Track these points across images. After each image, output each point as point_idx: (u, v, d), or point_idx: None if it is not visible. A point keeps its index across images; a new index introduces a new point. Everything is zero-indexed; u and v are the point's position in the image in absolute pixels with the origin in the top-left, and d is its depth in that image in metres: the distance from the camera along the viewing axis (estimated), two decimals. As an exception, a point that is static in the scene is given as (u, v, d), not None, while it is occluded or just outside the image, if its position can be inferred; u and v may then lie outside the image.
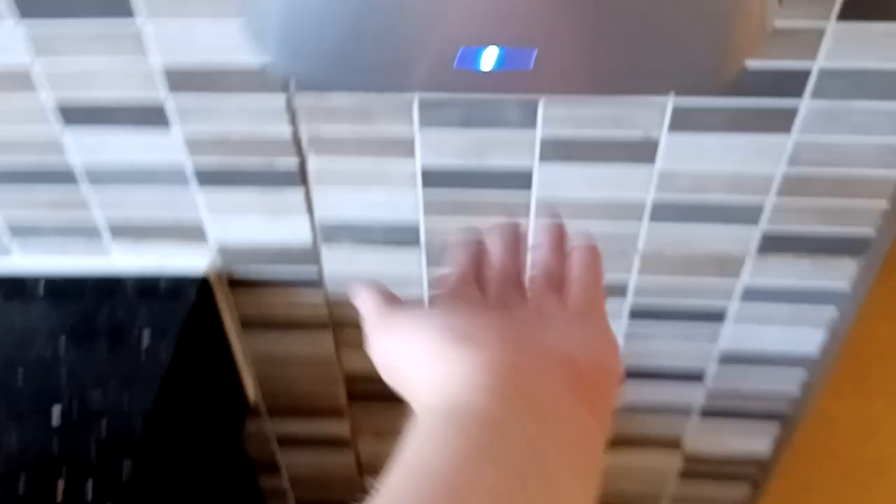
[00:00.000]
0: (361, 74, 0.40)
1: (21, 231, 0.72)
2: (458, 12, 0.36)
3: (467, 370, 0.32)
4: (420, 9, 0.36)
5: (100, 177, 0.66)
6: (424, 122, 0.61)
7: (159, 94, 0.60)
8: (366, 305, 0.39)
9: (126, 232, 0.71)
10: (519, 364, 0.33)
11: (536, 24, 0.36)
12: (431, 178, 0.65)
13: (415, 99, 0.60)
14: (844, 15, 0.52)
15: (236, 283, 0.76)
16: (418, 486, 0.28)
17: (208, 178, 0.66)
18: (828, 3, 0.52)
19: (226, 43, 0.57)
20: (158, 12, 0.55)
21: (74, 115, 0.62)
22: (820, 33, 0.53)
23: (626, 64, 0.38)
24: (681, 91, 0.40)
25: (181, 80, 0.59)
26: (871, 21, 0.52)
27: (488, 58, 0.37)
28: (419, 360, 0.35)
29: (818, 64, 0.55)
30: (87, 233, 0.71)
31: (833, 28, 0.53)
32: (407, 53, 0.38)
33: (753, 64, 0.55)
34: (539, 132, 0.61)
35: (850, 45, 0.54)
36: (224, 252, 0.73)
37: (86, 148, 0.64)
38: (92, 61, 0.59)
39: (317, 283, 0.75)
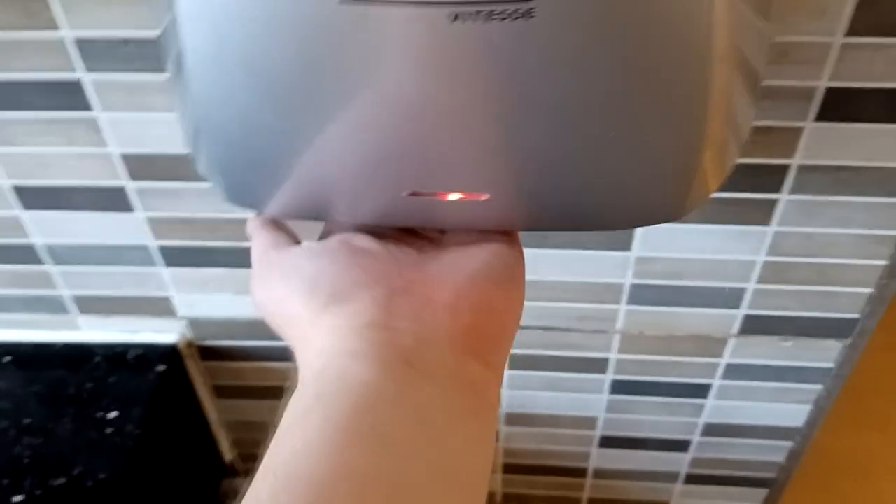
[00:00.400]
0: (309, 208, 0.38)
1: (-14, 306, 0.70)
2: (405, 160, 0.34)
3: (336, 336, 0.29)
4: (352, 146, 0.34)
5: (63, 256, 0.65)
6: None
7: (119, 180, 0.59)
8: (254, 246, 0.37)
9: (93, 306, 0.70)
10: (396, 324, 0.30)
11: (488, 173, 0.34)
12: (403, 259, 0.64)
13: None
14: (822, 116, 0.50)
15: (208, 353, 0.74)
16: (281, 485, 0.25)
17: (175, 257, 0.64)
18: (805, 105, 0.50)
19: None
20: (113, 107, 0.54)
21: (33, 198, 0.60)
22: (798, 132, 0.51)
23: (584, 204, 0.36)
24: (641, 225, 0.38)
25: (141, 167, 0.58)
26: (849, 122, 0.50)
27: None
28: (290, 324, 0.32)
29: (796, 161, 0.53)
30: (53, 307, 0.70)
31: (811, 127, 0.51)
32: (347, 190, 0.36)
33: (730, 157, 0.53)
34: (512, 217, 0.59)
35: (827, 144, 0.52)
36: (194, 324, 0.71)
37: (47, 229, 0.63)
38: (48, 149, 0.57)
39: (291, 354, 0.73)
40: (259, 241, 0.37)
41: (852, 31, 0.46)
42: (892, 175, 0.53)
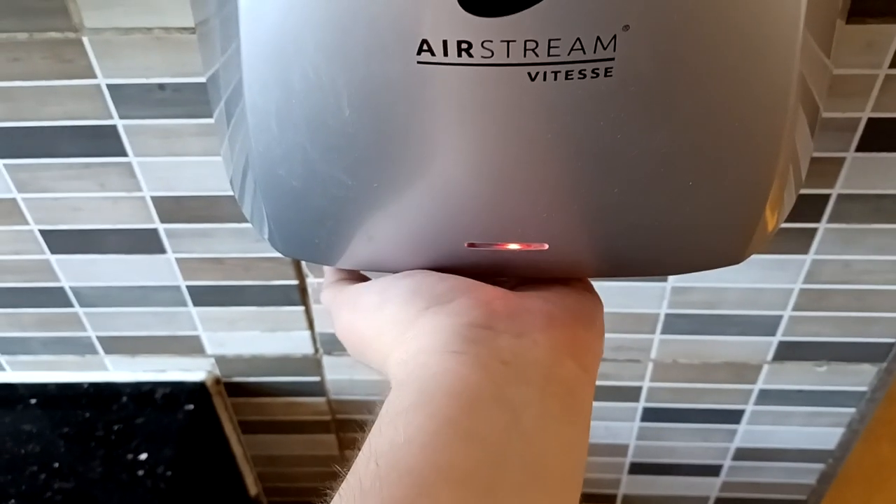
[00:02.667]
0: (367, 260, 0.38)
1: (10, 349, 0.69)
2: (465, 214, 0.33)
3: (436, 336, 0.30)
4: (419, 200, 0.34)
5: (91, 299, 0.64)
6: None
7: (152, 223, 0.58)
8: (326, 287, 0.37)
9: (121, 347, 0.69)
10: (495, 324, 0.30)
11: (547, 225, 0.34)
12: (435, 294, 0.63)
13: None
14: (863, 146, 0.50)
15: (235, 390, 0.74)
16: (384, 474, 0.25)
17: (204, 298, 0.64)
18: (848, 136, 0.49)
19: (217, 176, 0.55)
20: (147, 151, 0.53)
21: (63, 243, 0.60)
22: (840, 162, 0.51)
23: (650, 253, 0.36)
24: (703, 269, 0.38)
25: (172, 209, 0.57)
26: (890, 152, 0.50)
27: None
28: (384, 329, 0.32)
29: (836, 190, 0.53)
30: (80, 348, 0.69)
31: (852, 157, 0.51)
32: (408, 243, 0.36)
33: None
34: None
35: (868, 173, 0.52)
36: (222, 362, 0.71)
37: (76, 272, 0.62)
38: (80, 194, 0.56)
39: (319, 391, 0.73)
40: (328, 278, 0.37)
41: (896, 63, 0.46)
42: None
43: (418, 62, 0.27)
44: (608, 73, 0.27)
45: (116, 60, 0.49)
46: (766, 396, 0.70)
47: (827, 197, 0.53)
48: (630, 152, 0.30)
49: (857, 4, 0.43)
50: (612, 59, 0.26)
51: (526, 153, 0.30)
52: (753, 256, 0.57)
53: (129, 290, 0.63)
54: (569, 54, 0.26)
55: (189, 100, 0.51)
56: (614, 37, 0.26)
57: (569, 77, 0.27)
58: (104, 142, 0.53)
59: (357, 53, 0.27)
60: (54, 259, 0.61)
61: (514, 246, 0.35)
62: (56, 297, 0.64)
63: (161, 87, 0.50)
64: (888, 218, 0.54)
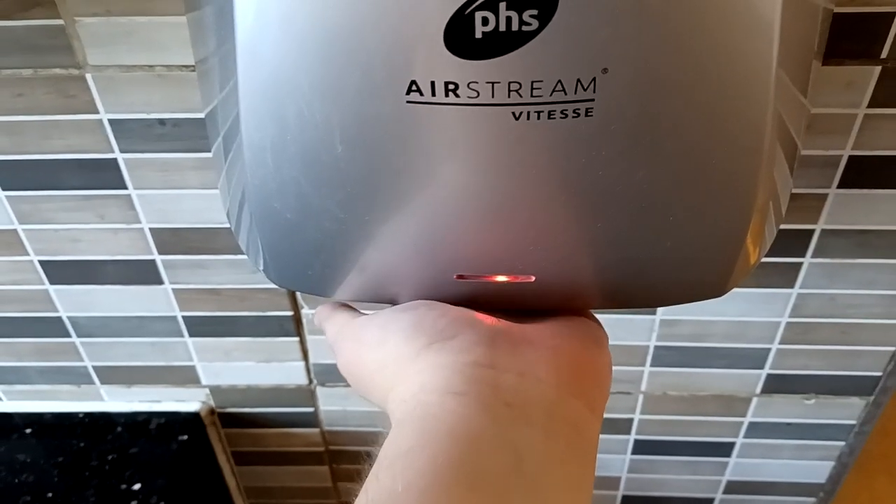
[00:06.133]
0: (359, 290, 0.39)
1: (7, 378, 0.70)
2: (453, 246, 0.34)
3: (438, 375, 0.29)
4: (409, 233, 0.35)
5: (89, 329, 0.65)
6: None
7: (149, 254, 0.59)
8: (329, 320, 0.36)
9: (116, 377, 0.69)
10: (498, 362, 0.29)
11: (533, 257, 0.35)
12: (428, 325, 0.64)
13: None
14: (845, 183, 0.51)
15: (229, 421, 0.74)
16: None
17: (200, 328, 0.65)
18: (830, 172, 0.51)
19: (215, 209, 0.56)
20: (146, 184, 0.55)
21: (62, 273, 0.61)
22: (822, 198, 0.52)
23: (624, 285, 0.37)
24: (686, 302, 0.39)
25: (170, 240, 0.58)
26: (871, 188, 0.51)
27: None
28: (386, 364, 0.32)
29: (820, 226, 0.54)
30: (76, 378, 0.69)
31: (835, 193, 0.52)
32: (399, 274, 0.37)
33: (754, 222, 0.54)
34: (537, 283, 0.60)
35: (850, 209, 0.53)
36: (216, 392, 0.71)
37: (74, 302, 0.63)
38: (80, 225, 0.57)
39: (312, 421, 0.73)
40: (337, 317, 0.37)
41: (875, 102, 0.47)
42: (911, 238, 0.54)
43: (407, 101, 0.28)
44: (589, 114, 0.28)
45: (118, 96, 0.51)
46: (755, 429, 0.70)
47: (811, 232, 0.55)
48: (611, 189, 0.31)
49: (835, 46, 0.45)
50: (592, 100, 0.28)
51: (511, 189, 0.31)
52: (740, 290, 0.58)
53: (125, 320, 0.64)
54: (551, 95, 0.27)
55: (188, 134, 0.52)
56: (594, 79, 0.27)
57: (551, 117, 0.28)
58: (105, 174, 0.54)
59: (349, 92, 0.29)
60: (53, 289, 0.62)
61: (501, 278, 0.36)
62: (54, 326, 0.65)
63: (161, 122, 0.52)
64: (871, 253, 0.55)
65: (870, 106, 0.47)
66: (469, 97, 0.28)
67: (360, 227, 0.34)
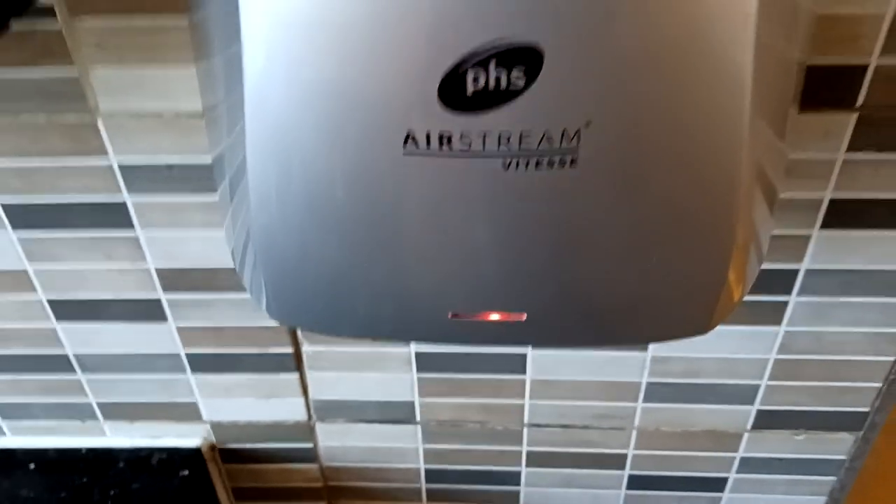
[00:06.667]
0: (353, 327, 0.40)
1: (12, 414, 0.71)
2: (448, 287, 0.36)
3: None
4: (406, 274, 0.37)
5: (93, 365, 0.66)
6: (418, 310, 0.62)
7: (154, 293, 0.61)
8: None
9: (120, 413, 0.71)
10: None
11: (524, 296, 0.36)
12: (426, 362, 0.65)
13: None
14: (828, 224, 0.53)
15: (229, 456, 0.75)
16: None
17: (202, 365, 0.66)
18: (812, 215, 0.53)
19: (219, 249, 0.58)
20: (153, 225, 0.56)
21: (69, 311, 0.62)
22: (805, 239, 0.54)
23: (614, 323, 0.39)
24: (674, 339, 0.40)
25: (175, 279, 0.60)
26: (853, 229, 0.53)
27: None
28: None
29: (804, 265, 0.56)
30: (80, 414, 0.71)
31: (817, 235, 0.54)
32: (396, 312, 0.39)
33: (741, 262, 0.56)
34: (532, 321, 0.62)
35: (833, 250, 0.55)
36: (217, 428, 0.72)
37: (80, 340, 0.65)
38: (88, 265, 0.59)
39: (311, 457, 0.74)
40: None
41: (853, 147, 0.49)
42: (892, 278, 0.56)
43: (404, 152, 0.30)
44: (573, 163, 0.30)
45: (128, 142, 0.53)
46: (747, 464, 0.71)
47: (796, 272, 0.56)
48: (597, 232, 0.33)
49: (813, 96, 0.47)
50: (577, 150, 0.30)
51: (502, 233, 0.33)
52: (729, 328, 0.60)
53: (130, 357, 0.66)
54: (538, 146, 0.29)
55: (195, 178, 0.54)
56: (578, 131, 0.29)
57: (539, 166, 0.30)
58: (113, 216, 0.56)
59: (350, 142, 0.31)
60: (60, 327, 0.64)
61: (494, 316, 0.38)
62: (59, 363, 0.66)
63: (169, 167, 0.54)
64: (855, 291, 0.57)
65: (848, 151, 0.49)
66: (461, 148, 0.30)
67: (359, 268, 0.36)
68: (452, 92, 0.28)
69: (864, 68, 0.46)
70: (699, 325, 0.40)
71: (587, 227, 0.33)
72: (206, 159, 0.53)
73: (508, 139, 0.29)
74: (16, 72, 0.50)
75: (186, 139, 0.52)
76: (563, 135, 0.29)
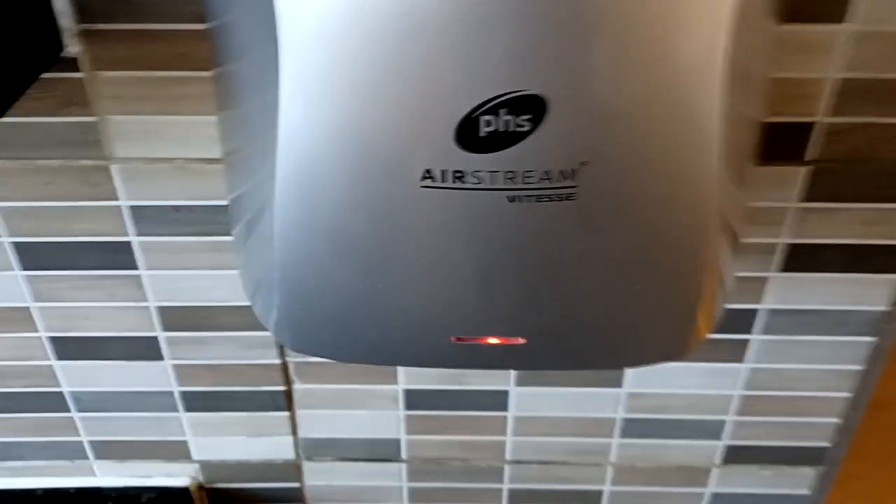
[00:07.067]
0: (362, 352, 0.44)
1: (2, 454, 0.72)
2: (453, 312, 0.40)
3: None
4: (416, 300, 0.40)
5: (88, 403, 0.68)
6: (406, 349, 0.65)
7: (153, 331, 0.63)
8: None
9: (110, 452, 0.72)
10: None
11: (524, 321, 0.40)
12: (413, 400, 0.69)
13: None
14: (786, 267, 0.58)
15: (217, 496, 0.76)
16: None
17: (195, 403, 0.68)
18: (769, 258, 0.58)
19: (220, 288, 0.61)
20: (156, 265, 0.60)
21: (69, 349, 0.65)
22: (764, 281, 0.59)
23: (602, 347, 0.43)
24: (652, 363, 0.45)
25: (176, 319, 0.63)
26: (809, 272, 0.59)
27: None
28: None
29: (764, 305, 0.61)
30: (72, 453, 0.72)
31: (775, 277, 0.59)
32: (403, 336, 0.42)
33: (707, 302, 0.61)
34: (514, 359, 0.65)
35: (791, 291, 0.60)
36: (206, 467, 0.74)
37: (77, 378, 0.67)
38: (90, 304, 0.62)
39: (297, 497, 0.76)
40: None
41: (807, 197, 0.55)
42: (850, 317, 0.61)
43: (421, 186, 0.34)
44: (571, 198, 0.35)
45: (138, 185, 0.56)
46: (719, 499, 0.75)
47: (756, 311, 0.61)
48: (588, 262, 0.37)
49: (768, 149, 0.53)
50: (575, 186, 0.34)
51: (504, 261, 0.37)
52: (697, 364, 0.64)
53: (125, 395, 0.68)
54: (540, 182, 0.34)
55: (199, 220, 0.58)
56: (574, 170, 0.34)
57: (540, 200, 0.34)
58: (118, 256, 0.59)
59: (374, 179, 0.35)
60: (59, 365, 0.66)
61: (493, 340, 0.41)
62: (55, 401, 0.68)
63: (176, 209, 0.57)
64: (813, 331, 0.62)
65: (800, 200, 0.55)
66: (473, 183, 0.34)
67: (373, 295, 0.39)
68: (467, 134, 0.32)
69: (811, 125, 0.52)
70: (676, 351, 0.44)
71: (580, 257, 0.37)
72: (212, 201, 0.56)
73: (514, 176, 0.34)
74: (36, 119, 0.53)
75: (194, 183, 0.56)
76: (561, 173, 0.34)
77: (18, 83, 0.47)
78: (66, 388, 0.67)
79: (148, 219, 0.58)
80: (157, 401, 0.68)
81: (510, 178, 0.34)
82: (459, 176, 0.34)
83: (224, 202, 0.56)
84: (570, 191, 0.34)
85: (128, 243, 0.59)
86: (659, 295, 0.41)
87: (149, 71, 0.51)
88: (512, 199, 0.34)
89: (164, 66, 0.51)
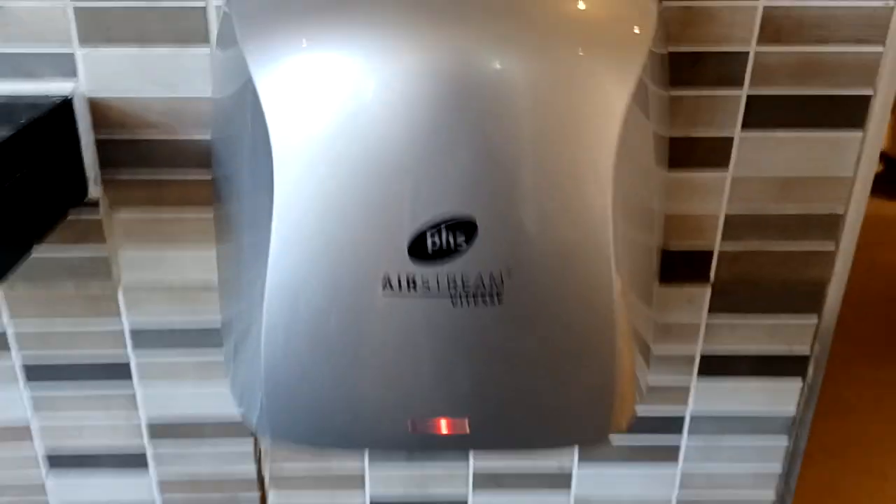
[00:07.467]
0: (332, 438, 0.51)
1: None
2: (409, 395, 0.48)
3: None
4: (378, 389, 0.48)
5: (75, 517, 0.73)
6: (373, 458, 0.72)
7: (141, 442, 0.70)
8: None
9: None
10: None
11: (470, 402, 0.49)
12: (378, 508, 0.74)
13: (366, 442, 0.71)
14: (702, 372, 0.67)
15: None
16: None
17: (176, 515, 0.74)
18: (689, 367, 0.67)
19: (205, 398, 0.68)
20: (150, 375, 0.67)
21: (61, 461, 0.70)
22: (686, 389, 0.68)
23: (533, 429, 0.51)
24: (571, 445, 0.52)
25: (162, 430, 0.69)
26: (723, 378, 0.68)
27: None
28: None
29: (689, 410, 0.69)
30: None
31: (695, 383, 0.68)
32: (368, 422, 0.50)
33: (641, 410, 0.69)
34: (471, 466, 0.72)
35: (710, 397, 0.68)
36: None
37: (65, 491, 0.72)
38: (85, 416, 0.68)
39: None
40: None
41: (711, 312, 0.65)
42: (766, 421, 0.69)
43: (382, 294, 0.44)
44: (499, 301, 0.44)
45: (140, 309, 0.65)
46: None
47: (682, 417, 0.70)
48: (518, 356, 0.46)
49: (676, 272, 0.63)
50: (501, 293, 0.44)
51: (452, 355, 0.46)
52: (638, 467, 0.71)
53: (110, 508, 0.73)
54: (475, 287, 0.43)
55: (191, 341, 0.66)
56: (502, 277, 0.43)
57: (475, 303, 0.44)
58: (116, 372, 0.67)
59: (344, 290, 0.44)
60: (50, 480, 0.71)
61: (443, 422, 0.49)
62: (42, 517, 0.73)
63: (171, 331, 0.65)
64: (732, 432, 0.70)
65: (708, 315, 0.65)
66: (423, 290, 0.43)
67: (343, 387, 0.48)
68: (418, 249, 0.42)
69: (711, 253, 0.63)
70: (596, 436, 0.52)
71: (512, 352, 0.46)
72: (205, 323, 0.65)
73: (454, 283, 0.43)
74: (56, 251, 0.62)
75: (189, 306, 0.64)
76: (491, 279, 0.43)
77: (50, 221, 0.56)
78: (53, 500, 0.72)
79: (145, 339, 0.66)
80: (140, 513, 0.73)
81: (452, 285, 0.43)
82: (412, 282, 0.43)
83: (214, 325, 0.64)
84: (498, 295, 0.44)
85: (126, 363, 0.67)
86: (578, 386, 0.49)
87: (157, 210, 0.61)
88: (454, 304, 0.44)
89: (170, 206, 0.61)
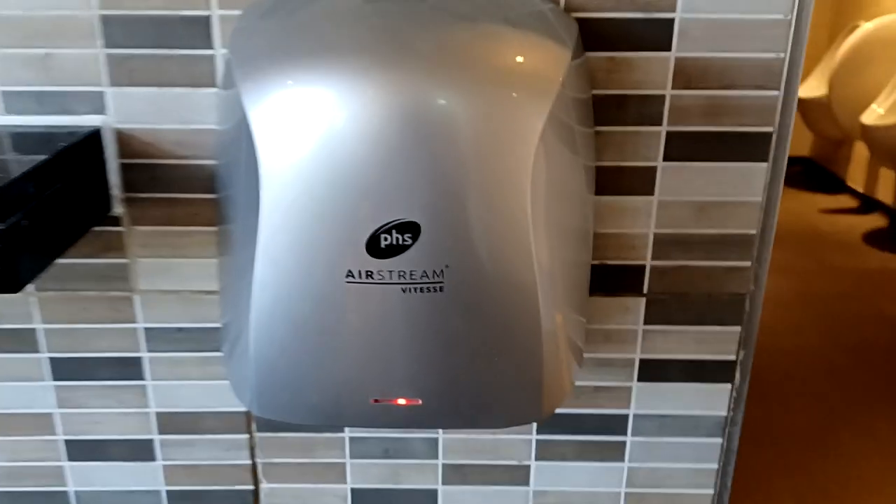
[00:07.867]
0: (309, 414, 0.61)
1: (10, 551, 0.85)
2: (370, 374, 0.58)
3: None
4: (344, 367, 0.58)
5: (87, 502, 0.82)
6: (354, 454, 0.81)
7: (150, 434, 0.80)
8: None
9: (100, 551, 0.85)
10: None
11: (420, 382, 0.58)
12: (359, 498, 0.83)
13: (346, 437, 0.80)
14: (642, 376, 0.77)
15: None
16: None
17: (177, 503, 0.83)
18: (630, 371, 0.76)
19: (207, 395, 0.78)
20: (159, 376, 0.77)
21: (80, 451, 0.80)
22: (629, 390, 0.77)
23: (476, 408, 0.60)
24: (508, 426, 0.62)
25: (169, 423, 0.79)
26: (661, 382, 0.77)
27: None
28: None
29: (632, 410, 0.78)
30: (66, 552, 0.85)
31: (636, 386, 0.77)
32: (337, 398, 0.60)
33: (589, 410, 0.78)
34: (441, 460, 0.81)
35: (649, 398, 0.77)
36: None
37: (82, 477, 0.81)
38: (103, 410, 0.78)
39: None
40: None
41: (647, 321, 0.74)
42: (701, 421, 0.78)
43: (346, 281, 0.54)
44: (441, 290, 0.54)
45: (152, 311, 0.75)
46: None
47: (626, 416, 0.79)
48: (457, 339, 0.56)
49: (614, 284, 0.73)
50: (442, 282, 0.54)
51: (404, 338, 0.56)
52: (590, 463, 0.80)
53: (117, 494, 0.82)
54: (421, 278, 0.53)
55: (196, 339, 0.76)
56: (442, 270, 0.53)
57: (421, 291, 0.54)
58: (131, 369, 0.77)
59: (316, 278, 0.54)
60: (69, 465, 0.81)
61: (401, 401, 0.59)
62: (59, 501, 0.82)
63: (179, 329, 0.76)
64: (671, 432, 0.79)
65: (644, 324, 0.74)
66: (378, 279, 0.53)
67: (316, 366, 0.58)
68: (374, 246, 0.53)
69: (643, 267, 0.72)
70: (531, 416, 0.62)
71: (454, 336, 0.56)
72: (208, 324, 0.75)
73: (404, 274, 0.53)
74: (82, 261, 0.73)
75: (195, 309, 0.75)
76: (433, 272, 0.53)
77: (77, 233, 0.67)
78: (71, 488, 0.82)
79: (157, 338, 0.76)
80: (145, 500, 0.83)
81: (402, 276, 0.53)
82: (369, 274, 0.53)
83: (215, 324, 0.74)
84: (440, 284, 0.54)
85: (139, 358, 0.77)
86: (510, 374, 0.59)
87: (169, 227, 0.72)
88: (404, 290, 0.54)
89: (181, 223, 0.72)
